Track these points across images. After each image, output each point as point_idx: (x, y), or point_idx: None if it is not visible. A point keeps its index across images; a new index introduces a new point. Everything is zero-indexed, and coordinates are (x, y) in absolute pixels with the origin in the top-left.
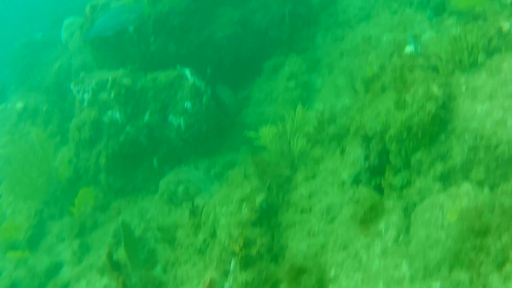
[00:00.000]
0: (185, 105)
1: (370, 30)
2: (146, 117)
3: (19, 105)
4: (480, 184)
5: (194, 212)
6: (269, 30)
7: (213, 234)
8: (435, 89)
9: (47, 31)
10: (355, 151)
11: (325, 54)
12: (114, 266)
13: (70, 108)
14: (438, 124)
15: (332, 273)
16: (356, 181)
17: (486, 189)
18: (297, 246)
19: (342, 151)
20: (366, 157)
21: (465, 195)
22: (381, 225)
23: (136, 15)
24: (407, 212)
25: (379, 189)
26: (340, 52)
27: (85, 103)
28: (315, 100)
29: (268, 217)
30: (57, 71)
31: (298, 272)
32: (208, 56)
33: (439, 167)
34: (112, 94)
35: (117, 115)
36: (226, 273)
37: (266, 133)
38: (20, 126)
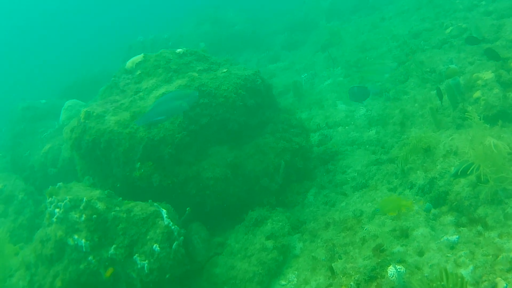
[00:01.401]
0: (154, 247)
1: (363, 204)
2: (112, 250)
3: None
4: None
5: None
6: (261, 179)
7: None
8: None
9: (53, 99)
10: None
11: (312, 217)
12: None
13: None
14: None
15: None
16: None
17: None
18: None
19: None
20: None
21: None
22: None
23: (188, 101)
24: None
25: None
26: (327, 221)
27: (54, 219)
28: (289, 268)
29: None
30: (46, 154)
31: None
32: (192, 194)
33: None
34: (83, 218)
35: (83, 242)
36: None
37: None
38: None
